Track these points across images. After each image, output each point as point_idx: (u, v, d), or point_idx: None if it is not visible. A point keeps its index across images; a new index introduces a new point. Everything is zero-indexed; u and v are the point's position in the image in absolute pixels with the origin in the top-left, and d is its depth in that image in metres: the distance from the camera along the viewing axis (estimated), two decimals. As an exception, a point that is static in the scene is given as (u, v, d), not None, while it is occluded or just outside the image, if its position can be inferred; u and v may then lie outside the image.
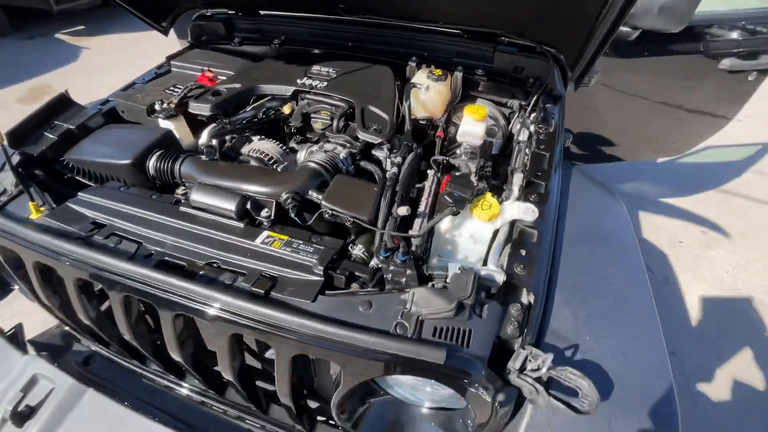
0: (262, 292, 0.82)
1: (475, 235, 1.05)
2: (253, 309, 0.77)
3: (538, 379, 0.72)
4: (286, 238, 0.95)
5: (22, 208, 1.06)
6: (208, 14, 1.98)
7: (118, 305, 0.93)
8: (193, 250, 0.93)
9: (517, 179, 1.14)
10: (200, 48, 1.92)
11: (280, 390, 0.90)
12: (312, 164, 1.09)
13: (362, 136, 1.22)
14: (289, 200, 1.00)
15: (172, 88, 1.56)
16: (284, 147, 1.32)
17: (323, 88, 1.43)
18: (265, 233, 0.95)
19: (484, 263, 1.01)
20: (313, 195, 1.03)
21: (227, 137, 1.32)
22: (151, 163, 1.17)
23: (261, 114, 1.45)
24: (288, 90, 1.45)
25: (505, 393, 0.75)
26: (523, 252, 0.96)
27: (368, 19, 1.65)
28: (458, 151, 1.28)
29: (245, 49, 1.86)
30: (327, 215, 0.98)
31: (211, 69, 1.71)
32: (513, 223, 1.08)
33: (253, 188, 1.03)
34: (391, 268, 0.86)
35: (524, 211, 1.05)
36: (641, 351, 0.91)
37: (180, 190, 1.08)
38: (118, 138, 1.25)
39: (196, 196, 1.02)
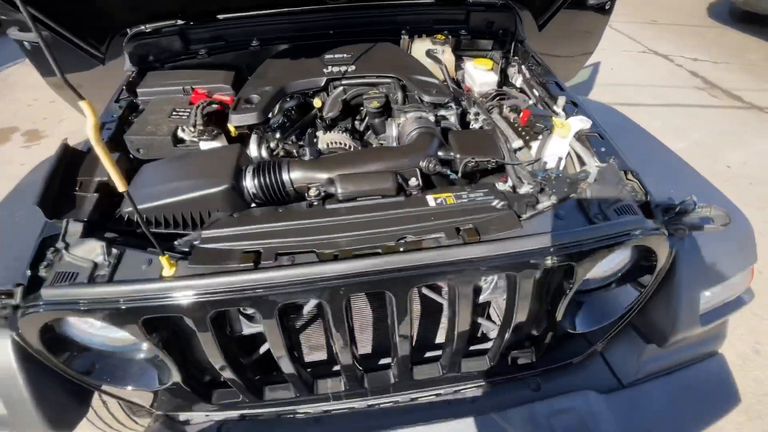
0: (478, 238, 0.90)
1: (559, 149, 1.27)
2: (488, 254, 0.85)
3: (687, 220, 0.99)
4: (449, 194, 1.02)
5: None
6: (146, 31, 1.72)
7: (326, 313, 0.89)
8: (373, 236, 0.93)
9: (561, 101, 1.39)
10: (156, 69, 1.68)
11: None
12: (423, 130, 1.15)
13: (429, 99, 1.31)
14: (430, 164, 1.06)
15: (175, 114, 1.37)
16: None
17: (354, 71, 1.45)
18: (432, 196, 1.01)
19: (582, 164, 1.24)
20: (442, 154, 1.11)
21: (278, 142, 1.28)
22: (249, 181, 1.07)
23: (290, 112, 1.40)
24: (320, 81, 1.43)
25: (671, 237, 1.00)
26: (603, 148, 1.23)
27: (351, 3, 1.69)
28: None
29: (216, 60, 1.70)
30: (470, 165, 1.08)
31: (195, 87, 1.53)
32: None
33: (392, 165, 1.05)
34: (553, 182, 1.02)
35: (582, 122, 1.31)
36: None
37: (313, 191, 1.02)
38: (183, 170, 1.09)
39: (344, 188, 1.00)
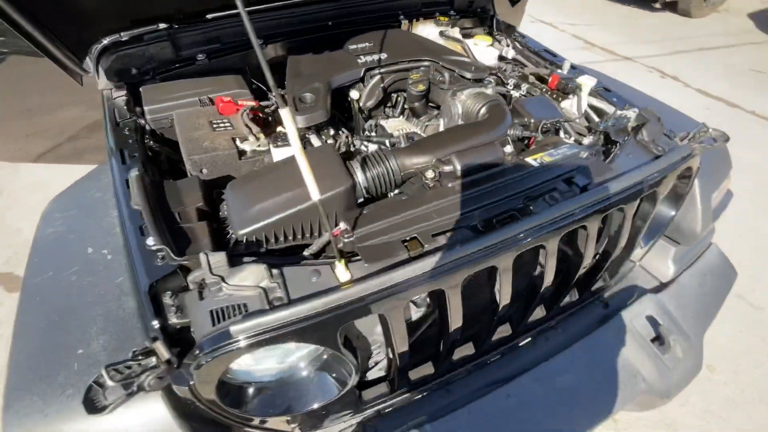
0: (589, 183, 1.05)
1: (585, 104, 1.49)
2: (611, 192, 1.02)
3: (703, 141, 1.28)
4: (542, 153, 1.15)
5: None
6: (123, 40, 1.48)
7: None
8: (503, 202, 1.03)
9: (566, 65, 1.61)
10: (144, 83, 1.48)
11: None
12: (493, 103, 1.25)
13: (471, 76, 1.42)
14: (516, 131, 1.18)
15: (216, 126, 1.26)
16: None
17: (387, 59, 1.47)
18: (531, 158, 1.13)
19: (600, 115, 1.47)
20: (517, 121, 1.23)
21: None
22: (360, 175, 1.06)
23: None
24: (360, 73, 1.42)
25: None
26: (614, 99, 1.48)
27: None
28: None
29: (216, 65, 1.55)
30: (546, 126, 1.22)
31: (214, 95, 1.41)
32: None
33: (484, 137, 1.14)
34: (611, 129, 1.23)
35: (590, 80, 1.55)
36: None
37: (430, 173, 1.06)
38: (286, 180, 1.02)
39: (463, 165, 1.06)
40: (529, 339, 1.38)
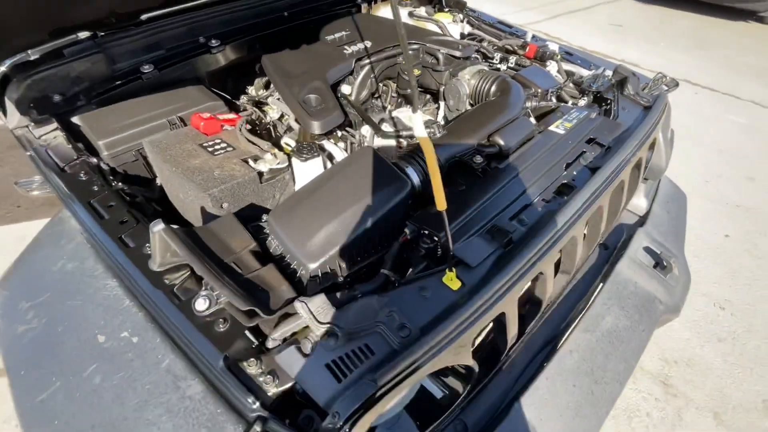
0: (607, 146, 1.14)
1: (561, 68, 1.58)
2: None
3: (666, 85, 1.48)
4: (560, 120, 1.20)
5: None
6: (33, 60, 1.12)
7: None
8: (553, 170, 1.05)
9: (529, 36, 1.69)
10: (82, 110, 1.16)
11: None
12: (499, 79, 1.25)
13: (460, 55, 1.39)
14: (532, 102, 1.21)
15: (214, 150, 1.05)
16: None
17: (374, 47, 1.37)
18: (554, 126, 1.17)
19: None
20: (531, 91, 1.27)
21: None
22: (414, 175, 0.98)
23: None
24: (351, 65, 1.30)
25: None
26: (579, 61, 1.61)
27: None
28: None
29: (168, 75, 1.28)
30: (551, 93, 1.27)
31: (188, 112, 1.17)
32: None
33: (513, 112, 1.14)
34: (601, 89, 1.33)
35: (555, 46, 1.65)
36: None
37: (478, 159, 1.02)
38: (340, 197, 0.89)
39: (507, 144, 1.05)
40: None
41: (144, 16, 1.26)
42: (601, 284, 1.45)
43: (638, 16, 6.05)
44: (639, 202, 1.75)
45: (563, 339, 1.28)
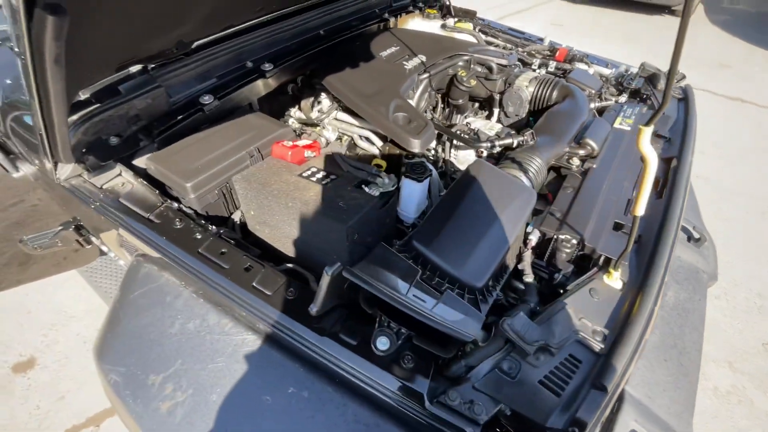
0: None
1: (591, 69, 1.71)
2: None
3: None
4: (620, 117, 1.30)
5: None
6: (82, 99, 0.99)
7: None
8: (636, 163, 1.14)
9: (547, 41, 1.80)
10: (145, 151, 1.05)
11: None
12: (560, 83, 1.32)
13: (507, 63, 1.45)
14: (597, 102, 1.29)
15: (318, 180, 0.99)
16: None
17: (429, 60, 1.38)
18: (616, 124, 1.26)
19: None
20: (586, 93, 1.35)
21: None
22: (528, 184, 1.01)
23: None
24: (415, 79, 1.30)
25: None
26: (595, 60, 1.74)
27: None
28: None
29: (225, 104, 1.19)
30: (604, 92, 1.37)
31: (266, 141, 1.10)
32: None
33: (585, 114, 1.21)
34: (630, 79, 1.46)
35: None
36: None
37: (575, 161, 1.07)
38: (477, 216, 0.89)
39: (598, 145, 1.11)
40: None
41: (195, 45, 1.16)
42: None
43: (573, 16, 6.63)
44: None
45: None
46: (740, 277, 2.39)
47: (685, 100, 1.40)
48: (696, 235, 1.65)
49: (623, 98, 1.48)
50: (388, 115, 1.09)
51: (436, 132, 1.11)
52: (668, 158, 1.17)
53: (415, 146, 1.04)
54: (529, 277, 0.89)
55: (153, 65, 1.09)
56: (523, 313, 0.71)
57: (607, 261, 0.87)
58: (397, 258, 0.79)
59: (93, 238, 1.28)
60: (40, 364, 1.96)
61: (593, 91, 1.37)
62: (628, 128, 1.24)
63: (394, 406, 0.70)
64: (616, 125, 1.26)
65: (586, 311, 0.77)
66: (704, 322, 1.44)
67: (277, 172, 1.00)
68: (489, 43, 1.86)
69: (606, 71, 1.63)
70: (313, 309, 0.75)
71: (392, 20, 1.68)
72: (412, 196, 1.01)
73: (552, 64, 1.57)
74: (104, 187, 0.98)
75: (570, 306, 0.77)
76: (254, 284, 0.81)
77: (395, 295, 0.69)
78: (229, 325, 0.82)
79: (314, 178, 0.98)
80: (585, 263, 0.91)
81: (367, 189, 0.97)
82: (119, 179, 1.00)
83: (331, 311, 0.79)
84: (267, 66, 1.26)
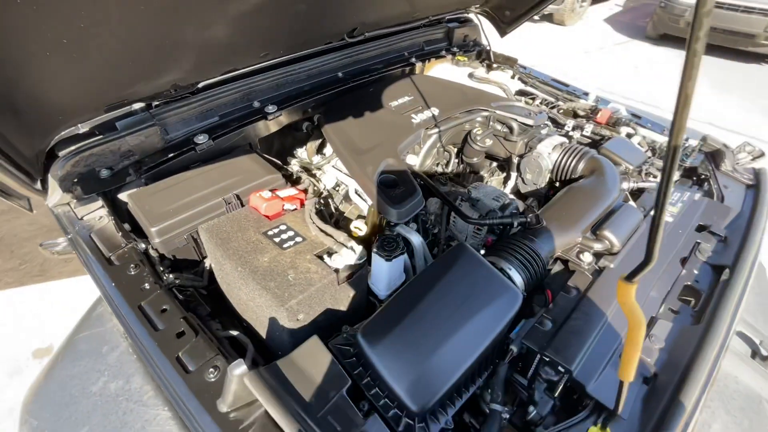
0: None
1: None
2: None
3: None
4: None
5: None
6: (81, 132, 1.02)
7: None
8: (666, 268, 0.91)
9: (592, 96, 1.60)
10: (131, 186, 1.05)
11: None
12: (589, 155, 1.13)
13: (533, 123, 1.29)
14: (631, 183, 1.08)
15: (281, 241, 0.91)
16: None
17: (441, 114, 1.27)
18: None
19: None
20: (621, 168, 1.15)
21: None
22: (519, 280, 0.84)
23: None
24: (420, 135, 1.19)
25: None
26: (648, 124, 1.50)
27: (364, 39, 1.43)
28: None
29: (220, 144, 1.17)
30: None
31: (244, 189, 1.05)
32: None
33: (613, 197, 1.02)
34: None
35: (623, 109, 1.56)
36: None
37: (587, 258, 0.88)
38: (449, 311, 0.75)
39: (620, 235, 0.91)
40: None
41: (201, 84, 1.16)
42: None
43: (651, 58, 6.12)
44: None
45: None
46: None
47: (756, 187, 1.13)
48: (764, 352, 1.33)
49: (675, 176, 1.24)
50: (374, 175, 0.99)
51: (423, 203, 0.98)
52: (719, 266, 0.92)
53: (393, 216, 0.92)
54: (493, 401, 0.72)
55: (157, 102, 1.11)
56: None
57: (600, 407, 0.67)
58: (328, 358, 0.68)
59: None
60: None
61: (631, 167, 1.15)
62: (670, 219, 1.02)
63: None
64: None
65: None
66: None
67: (242, 227, 0.94)
68: (525, 94, 1.70)
69: (660, 138, 1.39)
70: (222, 407, 0.66)
71: (419, 65, 1.60)
72: (381, 273, 0.89)
73: (588, 128, 1.37)
74: (84, 218, 1.00)
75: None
76: (179, 354, 0.74)
77: (302, 415, 0.58)
78: (149, 394, 0.76)
79: (277, 239, 0.91)
80: (573, 400, 0.72)
81: (328, 260, 0.87)
82: (99, 212, 1.01)
83: (251, 404, 0.69)
84: (270, 108, 1.23)
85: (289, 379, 0.63)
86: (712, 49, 6.12)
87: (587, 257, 0.89)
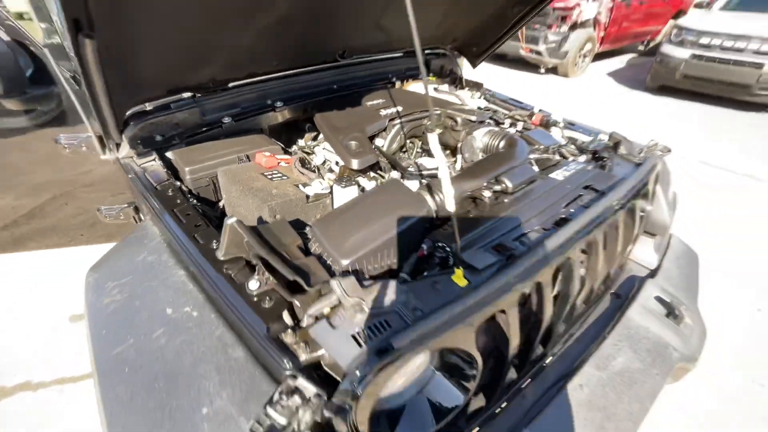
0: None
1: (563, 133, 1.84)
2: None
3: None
4: (560, 170, 1.41)
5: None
6: (148, 110, 1.50)
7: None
8: (553, 206, 1.23)
9: (536, 109, 1.99)
10: (174, 147, 1.50)
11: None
12: (509, 136, 1.51)
13: (475, 119, 1.69)
14: (535, 154, 1.43)
15: (272, 177, 1.32)
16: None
17: (404, 111, 1.69)
18: (552, 174, 1.37)
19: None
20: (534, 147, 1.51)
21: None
22: (431, 201, 1.19)
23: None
24: (385, 123, 1.61)
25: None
26: (580, 129, 1.86)
27: (354, 61, 1.92)
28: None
29: (240, 126, 1.63)
30: (552, 149, 1.50)
31: (254, 152, 1.48)
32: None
33: (518, 160, 1.37)
34: (595, 145, 1.55)
35: (559, 117, 1.93)
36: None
37: (486, 193, 1.23)
38: (374, 212, 1.10)
39: (514, 183, 1.26)
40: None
41: (231, 84, 1.65)
42: (612, 327, 1.51)
43: (652, 109, 6.50)
44: (649, 257, 1.84)
45: (573, 375, 1.33)
46: None
47: (641, 166, 1.45)
48: (677, 312, 1.56)
49: (582, 158, 1.57)
50: (343, 141, 1.40)
51: (377, 161, 1.37)
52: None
53: (353, 164, 1.32)
54: (403, 272, 1.04)
55: (199, 94, 1.59)
56: (355, 279, 0.88)
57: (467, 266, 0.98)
58: (289, 229, 1.04)
59: (143, 216, 1.76)
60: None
61: (541, 146, 1.51)
62: (562, 178, 1.35)
63: (246, 334, 0.90)
64: (552, 175, 1.37)
65: (420, 294, 0.90)
66: (654, 397, 1.34)
67: (247, 171, 1.35)
68: (486, 108, 2.12)
69: (582, 137, 1.74)
70: (219, 254, 1.02)
71: (398, 83, 2.07)
72: (338, 200, 1.26)
73: (520, 125, 1.75)
74: (141, 165, 1.44)
75: (409, 288, 0.91)
76: (195, 235, 1.12)
77: (266, 249, 0.93)
78: (171, 263, 1.13)
79: (269, 176, 1.31)
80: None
81: (302, 187, 1.26)
82: (152, 162, 1.45)
83: (236, 260, 1.04)
84: (278, 104, 1.70)
85: (263, 233, 1.00)
86: (714, 100, 6.47)
87: (487, 193, 1.23)
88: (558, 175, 1.37)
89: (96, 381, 0.87)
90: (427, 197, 1.19)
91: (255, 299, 0.94)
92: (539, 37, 7.64)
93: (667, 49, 6.64)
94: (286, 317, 0.91)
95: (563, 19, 7.43)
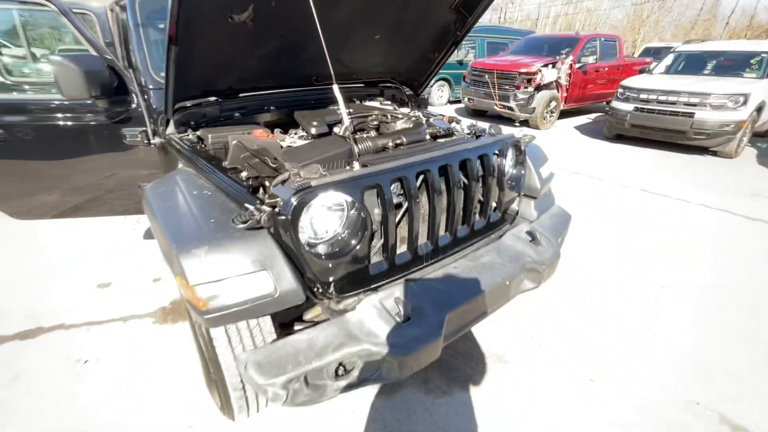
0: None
1: (461, 124, 2.69)
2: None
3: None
4: (444, 140, 2.22)
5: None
6: (188, 106, 2.39)
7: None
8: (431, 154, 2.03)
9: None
10: (202, 129, 2.36)
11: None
12: (416, 120, 2.34)
13: (402, 116, 2.55)
14: (430, 130, 2.27)
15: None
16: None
17: (354, 112, 2.57)
18: (440, 141, 2.18)
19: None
20: (433, 128, 2.34)
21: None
22: (355, 147, 1.99)
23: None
24: (338, 117, 2.47)
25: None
26: (468, 122, 2.71)
27: (325, 85, 2.86)
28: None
29: (244, 120, 2.51)
30: (448, 131, 2.33)
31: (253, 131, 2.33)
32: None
33: (416, 131, 2.19)
34: (476, 130, 2.38)
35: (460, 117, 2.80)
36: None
37: (390, 143, 2.03)
38: (319, 147, 1.91)
39: (406, 138, 2.06)
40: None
41: (241, 95, 2.57)
42: (487, 244, 2.21)
43: (607, 153, 7.45)
44: (530, 212, 2.57)
45: (452, 262, 2.01)
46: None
47: (480, 135, 2.26)
48: (537, 237, 2.26)
49: (465, 135, 2.39)
50: (308, 121, 2.26)
51: (325, 130, 2.21)
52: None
53: (311, 130, 2.15)
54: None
55: (220, 99, 2.49)
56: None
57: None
58: (268, 150, 1.83)
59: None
60: (114, 286, 3.17)
61: (437, 128, 2.35)
62: (442, 141, 2.16)
63: (238, 197, 1.64)
64: (439, 141, 2.18)
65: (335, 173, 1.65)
66: (508, 277, 1.99)
67: (249, 139, 2.18)
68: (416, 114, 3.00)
69: (482, 124, 2.59)
70: (225, 164, 1.80)
71: (358, 102, 2.98)
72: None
73: (431, 119, 2.61)
74: (180, 138, 2.27)
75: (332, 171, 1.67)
76: (212, 162, 1.91)
77: (253, 150, 1.72)
78: (197, 178, 1.91)
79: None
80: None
81: (280, 142, 2.07)
82: (188, 136, 2.29)
83: (235, 168, 1.82)
84: (272, 108, 2.59)
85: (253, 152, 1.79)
86: (658, 144, 7.49)
87: (390, 143, 2.03)
88: (442, 141, 2.17)
89: (159, 214, 1.62)
90: (351, 142, 1.99)
91: (245, 182, 1.69)
92: (509, 95, 8.94)
93: (616, 104, 7.80)
94: (261, 192, 1.67)
95: (529, 81, 8.77)
